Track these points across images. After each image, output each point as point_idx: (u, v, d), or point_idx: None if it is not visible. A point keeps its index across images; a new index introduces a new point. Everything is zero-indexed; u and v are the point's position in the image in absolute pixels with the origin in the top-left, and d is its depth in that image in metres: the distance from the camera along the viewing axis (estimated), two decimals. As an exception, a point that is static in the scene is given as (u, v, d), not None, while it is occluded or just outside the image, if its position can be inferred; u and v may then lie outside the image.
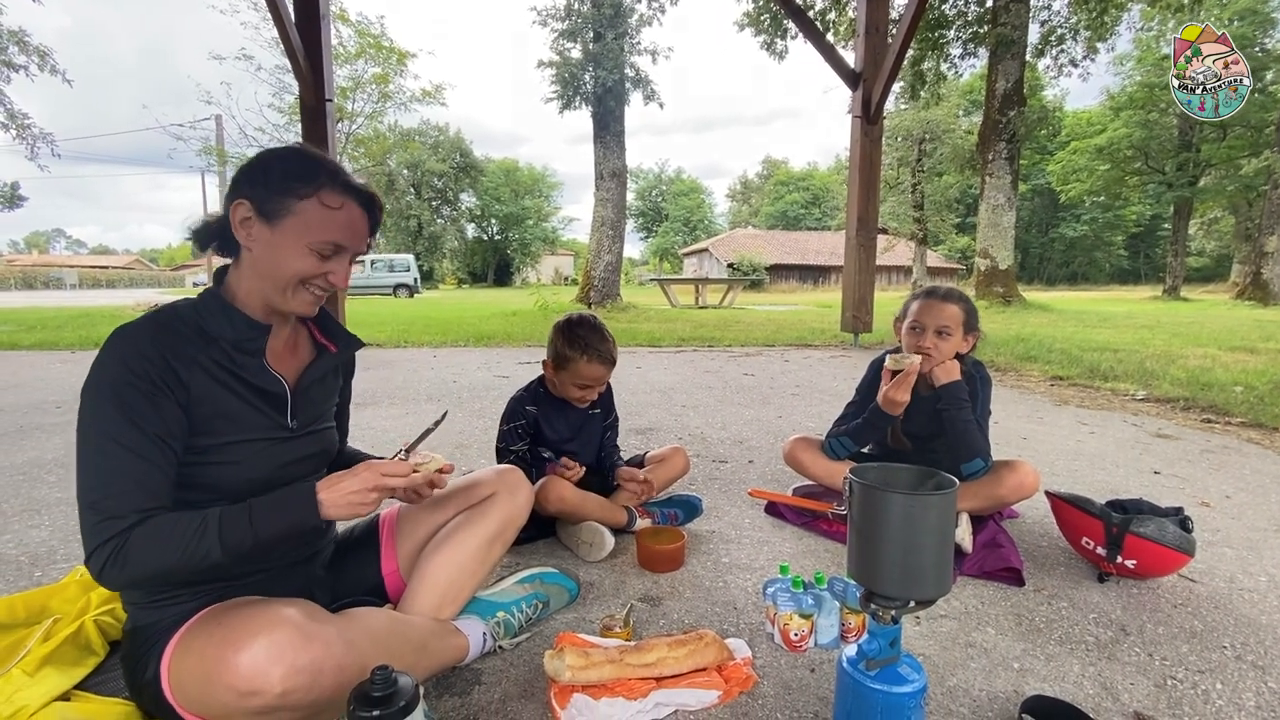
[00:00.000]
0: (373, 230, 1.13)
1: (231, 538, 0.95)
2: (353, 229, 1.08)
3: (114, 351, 0.98)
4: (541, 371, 2.02)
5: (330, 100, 5.97)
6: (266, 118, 17.15)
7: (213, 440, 1.04)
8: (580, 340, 1.86)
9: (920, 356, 1.88)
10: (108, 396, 0.95)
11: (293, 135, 16.83)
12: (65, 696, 1.11)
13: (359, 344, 1.30)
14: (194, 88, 16.43)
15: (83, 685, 1.16)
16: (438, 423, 1.23)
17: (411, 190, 36.26)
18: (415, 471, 1.10)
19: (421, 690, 0.91)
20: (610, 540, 1.83)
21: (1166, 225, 30.22)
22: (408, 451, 1.15)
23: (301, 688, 0.89)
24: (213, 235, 1.09)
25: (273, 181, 1.03)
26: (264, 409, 1.10)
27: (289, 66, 6.10)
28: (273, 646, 0.88)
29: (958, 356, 1.95)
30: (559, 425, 2.00)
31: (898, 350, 2.01)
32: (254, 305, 1.09)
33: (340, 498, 1.01)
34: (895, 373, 1.90)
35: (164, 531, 0.93)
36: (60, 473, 2.59)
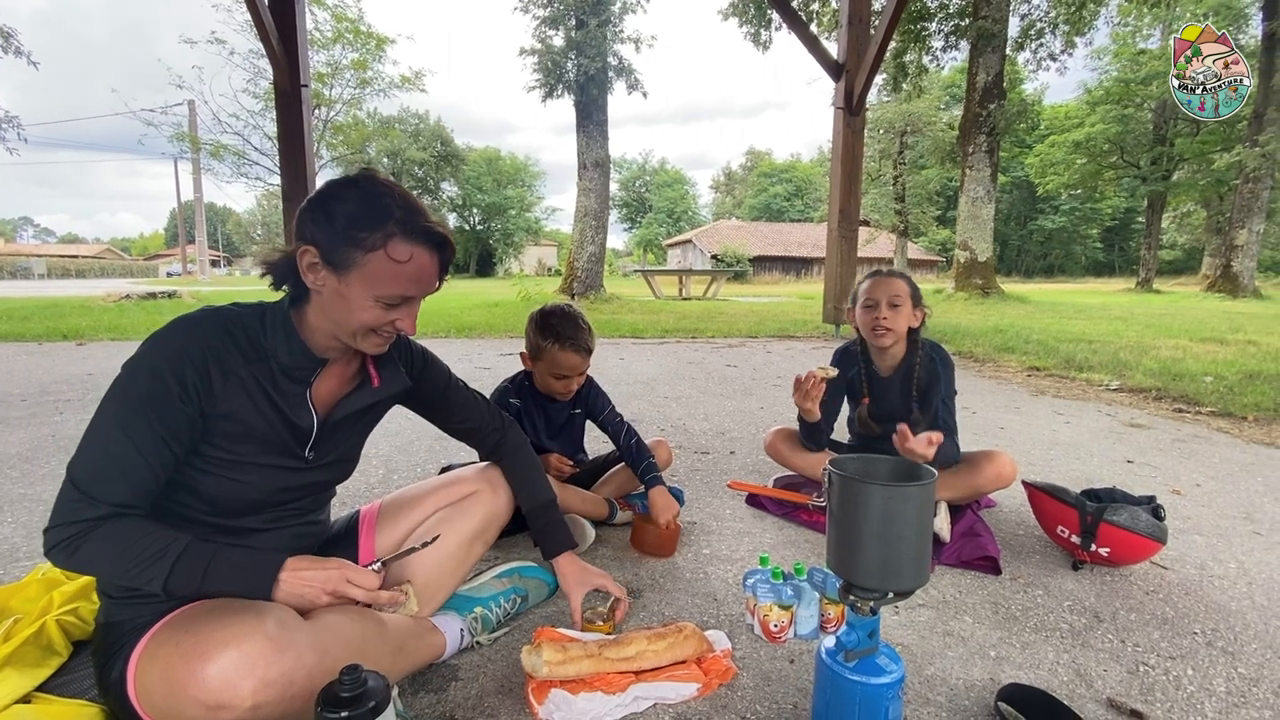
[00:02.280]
0: (444, 270, 1.07)
1: (178, 582, 0.93)
2: (421, 279, 1.03)
3: (166, 341, 0.98)
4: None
5: (306, 86, 5.82)
6: (241, 103, 16.81)
7: (224, 455, 1.02)
8: (553, 329, 1.80)
9: (835, 370, 1.92)
10: (138, 379, 0.95)
11: (268, 122, 16.50)
12: (27, 699, 1.07)
13: (403, 384, 1.22)
14: (166, 72, 16.04)
15: (45, 687, 1.12)
16: (426, 544, 1.21)
17: (391, 179, 35.67)
18: (382, 589, 1.07)
19: (395, 690, 0.89)
20: (591, 533, 1.81)
21: (1140, 219, 30.75)
22: (384, 564, 1.13)
23: (272, 701, 0.86)
24: (285, 275, 1.04)
25: (337, 228, 0.97)
26: (286, 438, 1.08)
27: (263, 51, 5.95)
28: (243, 659, 0.85)
29: (911, 336, 1.98)
30: (540, 422, 1.97)
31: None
32: (317, 338, 1.06)
33: (299, 587, 0.99)
34: (824, 380, 1.89)
35: (122, 543, 0.92)
36: (24, 468, 2.51)
